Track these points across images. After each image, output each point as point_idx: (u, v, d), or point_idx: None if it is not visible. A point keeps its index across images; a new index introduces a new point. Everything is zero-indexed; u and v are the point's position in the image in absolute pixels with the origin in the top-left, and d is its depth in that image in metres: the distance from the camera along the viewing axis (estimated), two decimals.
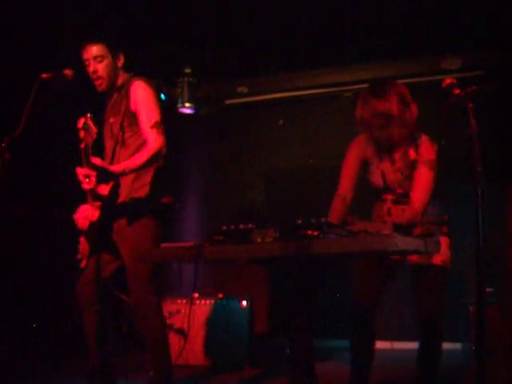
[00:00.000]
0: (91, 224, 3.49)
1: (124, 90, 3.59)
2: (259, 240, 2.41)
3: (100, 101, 3.77)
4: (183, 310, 5.09)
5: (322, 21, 5.51)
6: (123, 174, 3.41)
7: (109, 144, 3.64)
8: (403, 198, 3.18)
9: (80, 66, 3.60)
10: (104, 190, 3.47)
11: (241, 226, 2.48)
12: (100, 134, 3.46)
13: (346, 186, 3.30)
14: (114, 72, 3.61)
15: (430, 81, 6.03)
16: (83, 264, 3.58)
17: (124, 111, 3.54)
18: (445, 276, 3.17)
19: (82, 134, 3.29)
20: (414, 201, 3.06)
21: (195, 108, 6.84)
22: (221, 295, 5.22)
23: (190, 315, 5.03)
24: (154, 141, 3.43)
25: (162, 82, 6.66)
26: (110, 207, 3.50)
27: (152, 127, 3.46)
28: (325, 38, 5.72)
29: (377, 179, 3.25)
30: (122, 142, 3.57)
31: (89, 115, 3.28)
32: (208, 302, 5.16)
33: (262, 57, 6.16)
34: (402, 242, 2.25)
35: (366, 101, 3.05)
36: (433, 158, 3.11)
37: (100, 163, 3.28)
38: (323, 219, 2.32)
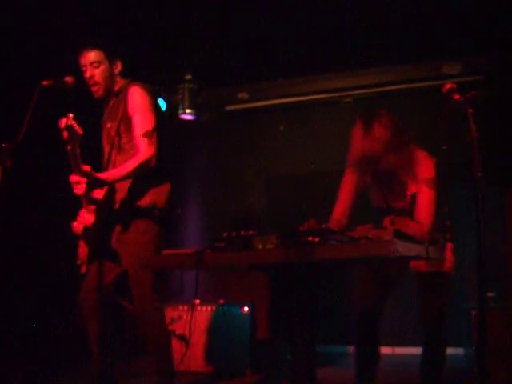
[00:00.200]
0: (86, 228, 3.49)
1: (121, 95, 3.60)
2: (260, 246, 2.41)
3: (99, 107, 3.78)
4: (185, 317, 5.08)
5: (322, 26, 5.52)
6: (112, 181, 3.42)
7: (106, 149, 3.66)
8: (406, 214, 3.14)
9: (81, 74, 3.62)
10: (99, 194, 3.47)
11: (242, 233, 2.48)
12: (86, 135, 3.44)
13: (340, 211, 3.26)
14: (110, 78, 3.62)
15: (430, 86, 6.03)
16: (83, 269, 3.58)
17: (121, 116, 3.55)
18: (449, 282, 3.17)
19: (65, 134, 3.26)
20: (420, 221, 3.02)
21: (196, 114, 6.85)
22: (222, 301, 5.22)
23: (191, 321, 5.02)
24: (144, 150, 3.44)
25: (163, 88, 6.68)
26: (108, 212, 3.51)
27: (144, 136, 3.46)
28: (325, 44, 5.73)
29: (378, 201, 3.25)
30: (119, 147, 3.58)
31: (71, 115, 3.24)
32: (209, 308, 5.16)
33: (262, 63, 6.17)
34: (403, 248, 2.25)
35: (359, 137, 3.04)
36: (432, 176, 3.09)
37: (89, 170, 3.30)
38: (324, 225, 2.32)
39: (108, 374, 3.58)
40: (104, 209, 3.48)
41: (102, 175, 3.39)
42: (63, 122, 3.25)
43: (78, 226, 3.50)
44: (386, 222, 3.21)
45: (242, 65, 6.20)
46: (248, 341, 5.02)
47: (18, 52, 5.18)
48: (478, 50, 5.78)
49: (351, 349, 5.20)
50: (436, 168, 3.12)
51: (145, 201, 3.55)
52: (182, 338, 4.96)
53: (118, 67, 3.66)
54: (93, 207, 3.46)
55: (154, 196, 3.57)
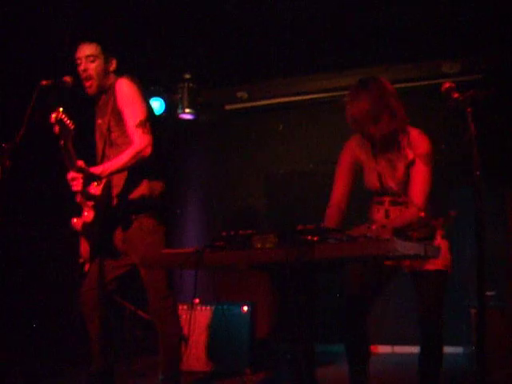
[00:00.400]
0: (85, 225, 3.48)
1: (110, 91, 3.59)
2: (259, 246, 2.42)
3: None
4: (184, 316, 5.08)
5: (322, 25, 5.52)
6: (108, 174, 3.41)
7: (99, 145, 3.65)
8: (401, 199, 3.15)
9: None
10: (96, 189, 3.46)
11: (241, 232, 2.48)
12: (86, 135, 3.44)
13: (339, 194, 3.25)
14: (104, 74, 3.60)
15: (430, 85, 6.04)
16: (87, 268, 3.58)
17: (110, 111, 3.54)
18: (445, 280, 3.15)
19: (56, 129, 3.24)
20: (414, 198, 3.02)
21: (195, 114, 6.85)
22: (222, 300, 5.22)
23: (190, 321, 5.02)
24: (139, 140, 3.43)
25: (162, 87, 6.68)
26: (106, 208, 3.50)
27: (137, 126, 3.45)
28: (324, 43, 5.73)
29: (373, 182, 3.20)
30: (110, 142, 3.57)
31: (60, 109, 3.22)
32: (209, 307, 5.15)
33: (261, 62, 6.17)
34: (402, 247, 2.25)
35: (353, 99, 3.03)
36: (427, 151, 3.07)
37: (83, 165, 3.29)
38: (323, 224, 2.32)
39: (108, 373, 3.58)
40: (102, 205, 3.48)
41: (98, 169, 3.38)
42: (53, 117, 3.22)
43: (77, 222, 3.50)
44: (380, 214, 3.21)
45: (242, 64, 6.20)
46: (247, 340, 5.02)
47: (17, 51, 5.18)
48: (477, 50, 5.78)
49: None
50: (431, 144, 3.10)
51: (140, 191, 3.54)
52: (181, 337, 4.96)
53: (113, 64, 3.64)
54: (91, 203, 3.45)
55: (149, 187, 3.56)
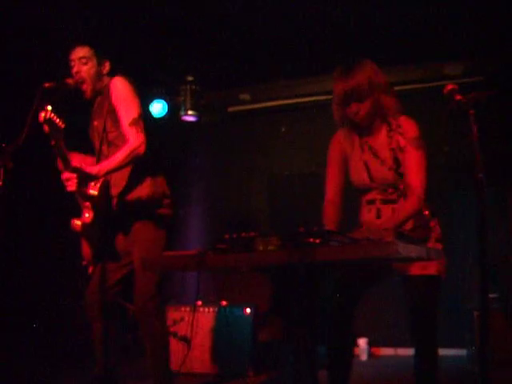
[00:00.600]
0: (85, 226, 3.48)
1: (105, 92, 3.60)
2: (261, 248, 2.41)
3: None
4: (187, 318, 5.09)
5: (324, 27, 5.53)
6: (105, 173, 3.40)
7: (97, 147, 3.65)
8: (392, 195, 3.06)
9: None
10: (94, 189, 3.45)
11: (243, 234, 2.48)
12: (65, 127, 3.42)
13: (332, 190, 3.20)
14: (97, 77, 3.61)
15: (432, 87, 6.04)
16: (90, 270, 3.58)
17: (106, 111, 3.54)
18: (438, 285, 3.03)
19: (46, 128, 3.22)
20: (412, 185, 2.94)
21: (198, 116, 6.86)
22: (224, 303, 5.22)
23: (193, 323, 5.03)
24: (133, 138, 3.42)
25: (165, 89, 6.69)
26: (106, 208, 3.50)
27: (131, 124, 3.45)
28: (327, 45, 5.73)
29: (360, 173, 3.10)
30: (108, 143, 3.57)
31: (49, 108, 3.19)
32: (211, 309, 5.16)
33: (264, 64, 6.18)
34: (405, 250, 2.24)
35: (347, 73, 2.95)
36: (417, 134, 2.99)
37: (79, 165, 3.29)
38: (322, 223, 2.32)
39: (110, 375, 3.57)
40: (101, 205, 3.47)
41: (93, 169, 3.36)
42: (41, 116, 3.19)
43: (77, 223, 3.50)
44: (372, 214, 3.11)
45: (244, 66, 6.20)
46: (250, 342, 5.02)
47: (19, 53, 5.19)
48: (480, 51, 5.78)
49: (356, 350, 5.21)
50: (419, 128, 3.03)
51: (142, 191, 3.54)
52: (184, 339, 4.96)
53: (107, 67, 3.65)
54: (88, 204, 3.45)
55: (151, 188, 3.56)
